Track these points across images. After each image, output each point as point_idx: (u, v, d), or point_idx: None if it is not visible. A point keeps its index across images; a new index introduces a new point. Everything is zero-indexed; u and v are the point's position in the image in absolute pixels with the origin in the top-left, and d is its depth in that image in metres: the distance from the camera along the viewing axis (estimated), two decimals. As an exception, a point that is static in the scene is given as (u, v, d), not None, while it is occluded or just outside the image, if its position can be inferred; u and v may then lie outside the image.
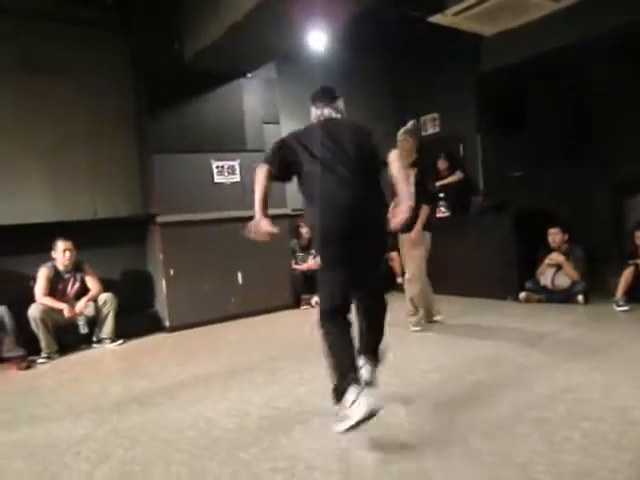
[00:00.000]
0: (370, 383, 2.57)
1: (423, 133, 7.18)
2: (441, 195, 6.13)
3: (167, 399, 3.21)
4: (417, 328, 4.44)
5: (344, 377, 2.34)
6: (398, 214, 2.48)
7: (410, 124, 4.67)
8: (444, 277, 5.28)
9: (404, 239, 4.42)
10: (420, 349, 3.93)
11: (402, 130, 4.53)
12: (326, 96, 2.88)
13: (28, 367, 4.27)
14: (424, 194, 4.32)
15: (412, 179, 4.22)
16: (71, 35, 5.07)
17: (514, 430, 2.35)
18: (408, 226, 4.14)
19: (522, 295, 5.33)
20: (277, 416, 2.79)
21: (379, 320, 2.71)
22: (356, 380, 2.34)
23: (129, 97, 5.44)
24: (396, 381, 3.11)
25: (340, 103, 2.90)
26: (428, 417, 2.61)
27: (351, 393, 2.25)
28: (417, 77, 7.16)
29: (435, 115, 7.18)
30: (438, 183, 6.11)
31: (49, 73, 4.96)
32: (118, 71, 5.36)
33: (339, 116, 2.85)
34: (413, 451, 2.25)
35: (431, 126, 7.23)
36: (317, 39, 5.31)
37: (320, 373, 3.39)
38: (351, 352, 2.49)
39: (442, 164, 6.62)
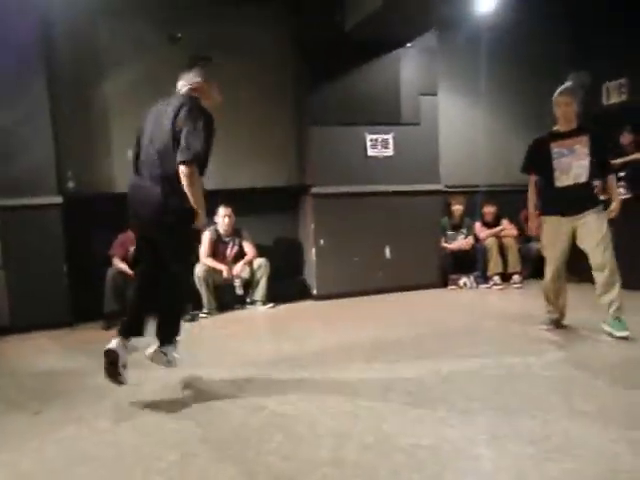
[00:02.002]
0: None
1: (606, 102, 6.35)
2: (621, 174, 5.37)
3: (314, 363, 3.29)
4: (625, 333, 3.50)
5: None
6: None
7: (570, 82, 3.90)
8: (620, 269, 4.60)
9: (586, 220, 3.59)
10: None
11: (559, 89, 3.72)
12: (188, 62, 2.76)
13: (192, 320, 4.70)
14: (605, 165, 3.69)
15: (584, 150, 3.59)
16: (238, 13, 5.34)
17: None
18: (584, 205, 3.59)
19: None
20: (420, 392, 2.72)
21: None
22: None
23: (290, 70, 5.61)
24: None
25: (191, 74, 2.79)
26: None
27: None
28: (601, 37, 6.17)
29: (622, 81, 6.17)
30: (619, 160, 5.35)
31: (221, 51, 5.27)
32: (280, 46, 5.55)
33: (179, 90, 2.77)
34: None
35: (616, 94, 6.26)
36: (486, 1, 4.95)
37: (469, 354, 3.35)
38: None
39: (626, 138, 5.66)
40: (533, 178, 3.93)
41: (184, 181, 2.55)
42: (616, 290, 3.55)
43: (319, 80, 5.41)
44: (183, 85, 2.77)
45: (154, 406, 2.68)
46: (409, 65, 5.71)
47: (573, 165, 3.63)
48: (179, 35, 5.07)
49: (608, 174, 3.78)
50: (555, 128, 3.80)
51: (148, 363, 2.94)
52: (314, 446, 2.17)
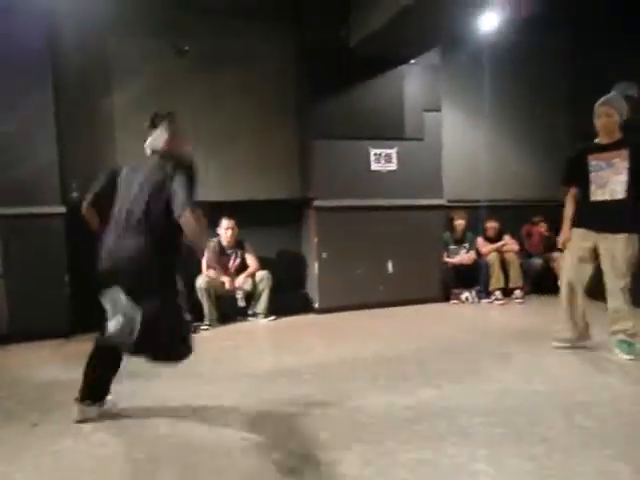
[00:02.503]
0: None
1: None
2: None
3: (314, 377, 3.28)
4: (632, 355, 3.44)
5: None
6: None
7: (616, 91, 3.56)
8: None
9: (610, 241, 3.46)
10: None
11: (602, 99, 3.53)
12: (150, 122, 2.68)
13: (193, 332, 4.65)
14: None
15: (623, 164, 3.42)
16: (244, 28, 5.38)
17: None
18: (617, 224, 3.43)
19: None
20: (421, 407, 2.71)
21: None
22: None
23: (293, 84, 5.66)
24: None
25: (158, 131, 2.69)
26: None
27: None
28: (607, 54, 6.00)
29: None
30: None
31: (224, 66, 5.34)
32: (284, 60, 5.60)
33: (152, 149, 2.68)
34: None
35: None
36: (488, 19, 5.01)
37: (471, 370, 3.34)
38: None
39: None
40: (573, 190, 3.75)
41: (192, 228, 2.42)
42: (626, 321, 3.46)
43: (323, 94, 5.45)
44: (153, 145, 2.70)
45: (152, 419, 2.66)
46: (413, 81, 5.76)
47: (610, 180, 3.49)
48: (186, 48, 5.12)
49: None
50: (596, 140, 3.64)
51: (147, 374, 2.93)
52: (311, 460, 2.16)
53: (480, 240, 6.11)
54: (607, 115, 3.49)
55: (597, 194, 3.54)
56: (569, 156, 3.84)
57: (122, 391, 2.83)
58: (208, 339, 4.52)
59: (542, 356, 3.62)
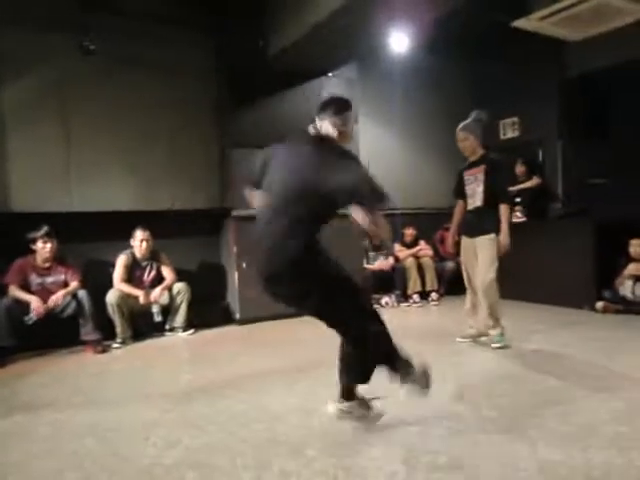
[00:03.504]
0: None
1: (502, 136, 7.08)
2: (517, 200, 5.92)
3: (234, 391, 3.19)
4: (501, 344, 3.91)
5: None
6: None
7: (470, 119, 4.08)
8: (516, 283, 5.18)
9: (476, 243, 3.98)
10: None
11: (460, 126, 4.07)
12: (320, 106, 2.47)
13: (103, 351, 4.41)
14: (498, 192, 3.92)
15: (481, 177, 3.96)
16: (161, 33, 5.25)
17: None
18: (478, 229, 3.97)
19: (599, 305, 5.12)
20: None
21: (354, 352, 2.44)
22: None
23: (212, 93, 5.57)
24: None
25: (325, 115, 2.41)
26: None
27: None
28: (498, 80, 6.99)
29: (515, 119, 6.98)
30: (514, 187, 5.94)
31: (139, 70, 5.17)
32: (203, 68, 5.52)
33: (315, 131, 2.44)
34: None
35: (510, 130, 7.06)
36: (399, 40, 5.28)
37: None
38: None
39: (519, 169, 6.47)
40: (461, 203, 4.24)
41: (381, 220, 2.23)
42: (486, 309, 3.93)
43: (241, 104, 5.42)
44: (324, 129, 2.44)
45: (49, 454, 2.44)
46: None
47: (476, 191, 4.00)
48: (92, 47, 4.88)
49: (500, 202, 3.92)
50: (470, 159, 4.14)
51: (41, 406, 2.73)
52: (234, 479, 2.11)
53: (397, 246, 6.31)
54: (463, 139, 4.03)
55: (469, 204, 4.08)
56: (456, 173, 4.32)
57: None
58: (119, 358, 4.28)
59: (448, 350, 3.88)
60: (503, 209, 3.91)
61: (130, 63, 5.12)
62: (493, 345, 3.94)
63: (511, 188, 5.22)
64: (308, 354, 4.05)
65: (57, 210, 4.79)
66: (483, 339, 4.09)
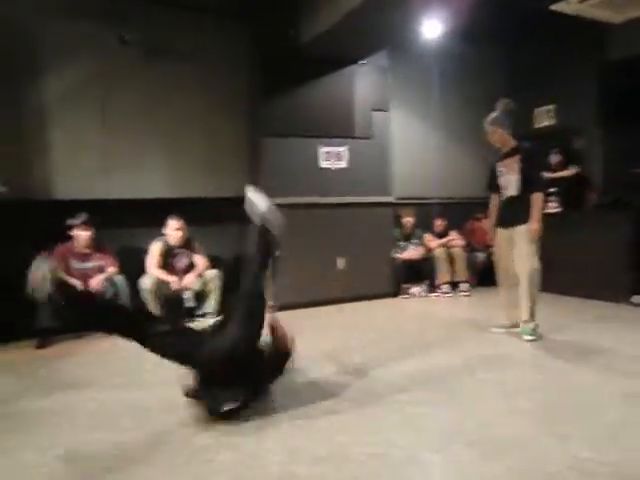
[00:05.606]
0: None
1: (537, 125, 6.83)
2: (552, 190, 5.77)
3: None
4: (532, 337, 3.89)
5: None
6: None
7: (497, 111, 4.03)
8: (551, 275, 5.00)
9: (514, 234, 3.95)
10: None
11: (487, 120, 4.04)
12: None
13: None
14: (532, 181, 3.90)
15: (515, 167, 3.95)
16: (194, 22, 5.32)
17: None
18: (515, 218, 3.93)
19: (636, 298, 5.01)
20: (368, 396, 2.77)
21: None
22: None
23: (244, 81, 5.62)
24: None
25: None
26: None
27: None
28: (534, 66, 6.74)
29: (550, 107, 6.72)
30: (549, 175, 5.76)
31: (173, 58, 5.25)
32: (234, 56, 5.55)
33: None
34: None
35: (546, 118, 6.79)
36: (433, 26, 5.21)
37: (405, 355, 3.42)
38: None
39: (555, 158, 6.19)
40: (495, 196, 4.22)
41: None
42: (525, 300, 3.91)
43: (273, 92, 5.42)
44: None
45: (90, 432, 2.54)
46: (362, 81, 5.84)
47: (510, 182, 3.99)
48: (128, 37, 4.97)
49: (533, 191, 3.90)
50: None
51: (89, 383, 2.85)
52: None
53: (428, 236, 6.28)
54: (491, 133, 4.03)
55: (503, 195, 4.09)
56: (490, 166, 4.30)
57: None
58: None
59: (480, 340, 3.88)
60: (535, 197, 3.88)
61: (164, 52, 5.20)
62: (525, 337, 3.91)
63: (545, 176, 5.09)
64: (338, 341, 4.11)
65: (94, 197, 4.93)
66: (516, 330, 4.06)
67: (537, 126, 6.86)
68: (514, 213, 3.95)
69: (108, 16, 4.94)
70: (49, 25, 4.78)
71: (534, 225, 3.85)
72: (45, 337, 4.26)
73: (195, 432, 2.47)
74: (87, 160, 5.01)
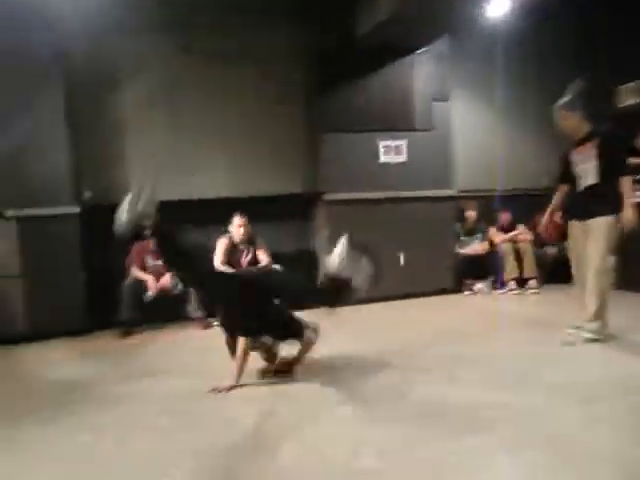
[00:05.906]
0: None
1: (621, 104, 6.27)
2: (639, 177, 5.32)
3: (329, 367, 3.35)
4: (594, 336, 3.56)
5: None
6: None
7: (569, 94, 3.68)
8: (631, 272, 4.67)
9: (589, 227, 3.58)
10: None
11: (558, 104, 3.69)
12: None
13: (208, 327, 4.73)
14: (615, 165, 3.53)
15: (592, 153, 3.57)
16: (252, 24, 5.38)
17: None
18: (593, 210, 3.57)
19: None
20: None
21: None
22: None
23: (302, 78, 5.65)
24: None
25: None
26: None
27: None
28: (613, 40, 6.13)
29: (634, 84, 6.15)
30: (635, 160, 5.22)
31: (233, 61, 5.36)
32: (291, 54, 5.59)
33: None
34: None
35: (631, 96, 6.19)
36: (498, 3, 4.99)
37: (473, 356, 3.36)
38: None
39: None
40: (563, 187, 3.94)
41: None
42: (594, 297, 3.55)
43: (331, 87, 5.44)
44: None
45: (167, 415, 2.70)
46: (421, 71, 5.72)
47: (588, 170, 3.63)
48: (191, 45, 5.15)
49: (620, 175, 3.56)
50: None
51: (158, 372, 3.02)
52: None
53: (493, 230, 6.06)
54: (563, 119, 3.68)
55: (580, 185, 3.70)
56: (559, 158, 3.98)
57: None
58: (221, 335, 4.51)
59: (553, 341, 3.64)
60: (624, 182, 3.51)
61: (224, 56, 5.31)
62: (585, 335, 3.58)
63: (631, 160, 4.61)
64: (390, 339, 4.11)
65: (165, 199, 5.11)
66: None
67: (621, 105, 6.29)
68: (591, 204, 3.59)
69: (172, 28, 5.13)
70: (125, 41, 5.04)
71: (628, 212, 3.45)
72: (128, 327, 4.63)
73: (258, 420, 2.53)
74: (158, 166, 5.20)
